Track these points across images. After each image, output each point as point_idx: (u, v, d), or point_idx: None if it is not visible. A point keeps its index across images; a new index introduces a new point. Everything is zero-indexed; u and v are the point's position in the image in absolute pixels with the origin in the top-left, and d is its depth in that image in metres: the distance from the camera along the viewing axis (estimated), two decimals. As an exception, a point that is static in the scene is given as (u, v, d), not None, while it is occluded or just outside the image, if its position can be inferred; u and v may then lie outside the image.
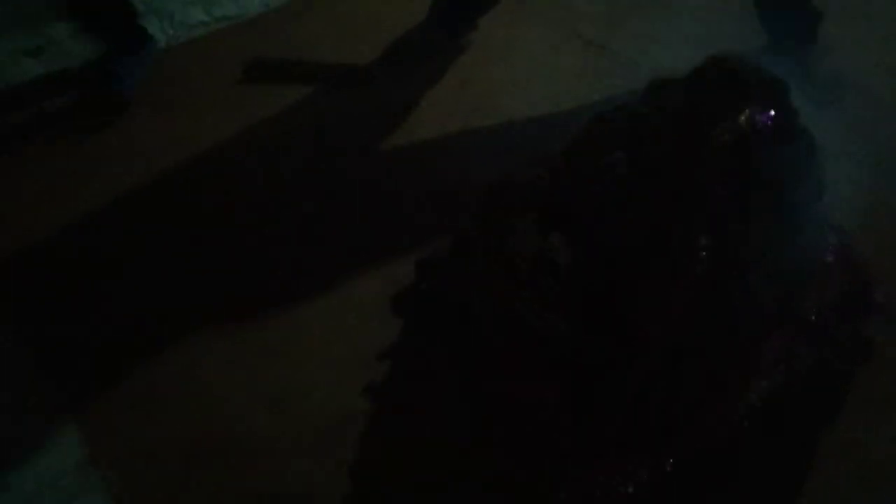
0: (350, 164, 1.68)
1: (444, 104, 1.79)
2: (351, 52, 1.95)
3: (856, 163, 1.52)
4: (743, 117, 1.00)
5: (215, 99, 1.83)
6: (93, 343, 1.37)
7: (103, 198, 1.62)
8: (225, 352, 1.35)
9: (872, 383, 1.17)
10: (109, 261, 1.50)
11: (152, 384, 1.32)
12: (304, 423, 1.25)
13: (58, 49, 1.94)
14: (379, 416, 1.23)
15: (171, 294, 1.45)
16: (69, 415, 1.29)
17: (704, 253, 0.98)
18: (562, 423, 1.01)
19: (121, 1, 1.85)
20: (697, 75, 1.08)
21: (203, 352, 1.35)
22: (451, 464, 1.11)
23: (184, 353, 1.36)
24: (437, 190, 1.58)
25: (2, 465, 1.22)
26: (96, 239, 1.56)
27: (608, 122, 1.12)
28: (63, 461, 1.23)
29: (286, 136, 1.74)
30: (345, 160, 1.68)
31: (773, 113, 1.01)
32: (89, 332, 1.39)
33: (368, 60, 1.92)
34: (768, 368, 1.01)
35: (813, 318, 1.05)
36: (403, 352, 1.28)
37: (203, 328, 1.39)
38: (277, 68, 1.93)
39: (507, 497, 1.04)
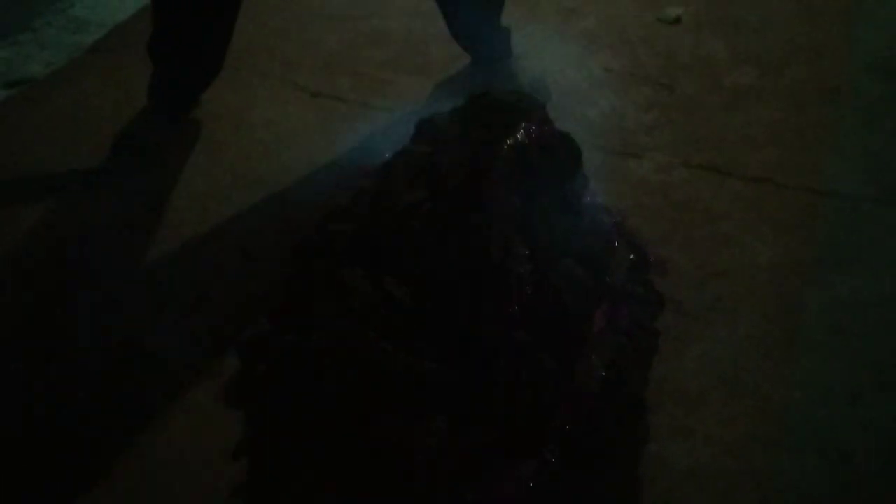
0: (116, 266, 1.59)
1: (196, 184, 1.76)
2: (77, 151, 1.84)
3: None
4: (519, 135, 1.14)
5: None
6: None
7: None
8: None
9: (668, 326, 1.39)
10: None
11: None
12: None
13: None
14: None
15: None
16: None
17: (521, 256, 1.10)
18: (448, 446, 1.07)
19: None
20: (465, 109, 1.20)
21: None
22: None
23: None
24: (229, 270, 1.55)
25: None
26: None
27: (398, 165, 1.21)
28: None
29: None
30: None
31: (537, 126, 1.16)
32: None
33: (95, 159, 1.83)
34: (599, 339, 1.16)
35: (619, 285, 1.22)
36: (258, 441, 1.25)
37: None
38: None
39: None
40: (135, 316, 1.47)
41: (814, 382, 1.34)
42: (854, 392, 1.32)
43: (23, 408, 1.33)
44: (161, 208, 1.69)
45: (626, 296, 1.23)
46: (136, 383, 1.36)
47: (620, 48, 2.14)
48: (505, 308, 1.08)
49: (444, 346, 1.08)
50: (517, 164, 1.13)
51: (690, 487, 1.20)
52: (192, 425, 1.30)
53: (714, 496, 1.19)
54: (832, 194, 1.67)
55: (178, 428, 1.29)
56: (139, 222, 1.67)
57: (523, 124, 1.16)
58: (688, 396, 1.31)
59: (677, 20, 2.24)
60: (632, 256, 1.28)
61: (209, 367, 1.37)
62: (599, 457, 1.15)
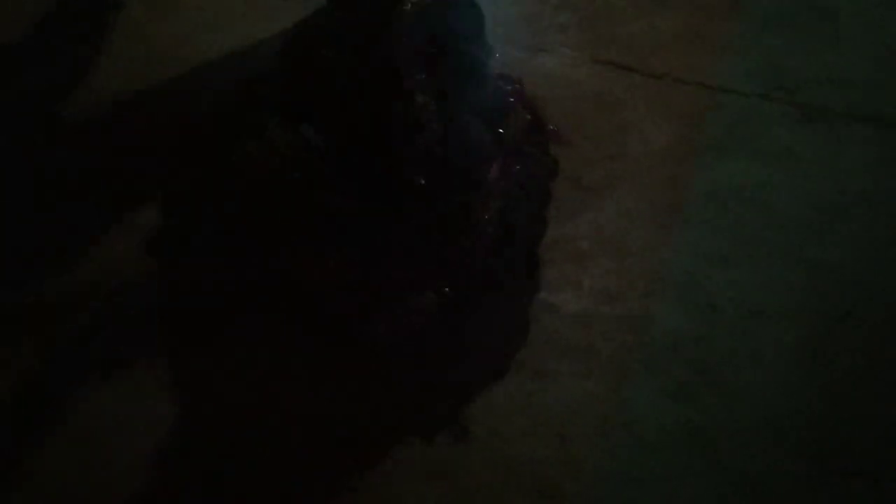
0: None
1: (121, 58, 1.79)
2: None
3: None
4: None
5: None
6: None
7: None
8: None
9: (565, 197, 1.50)
10: None
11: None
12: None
13: None
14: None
15: None
16: None
17: (427, 107, 1.19)
18: (364, 277, 1.17)
19: None
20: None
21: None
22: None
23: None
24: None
25: None
26: None
27: (311, 27, 1.28)
28: None
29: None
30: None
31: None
32: None
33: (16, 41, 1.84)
34: (494, 186, 1.26)
35: (514, 144, 1.32)
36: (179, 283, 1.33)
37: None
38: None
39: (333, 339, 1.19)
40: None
41: (690, 247, 1.47)
42: (724, 256, 1.45)
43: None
44: (86, 76, 1.71)
45: (521, 152, 1.33)
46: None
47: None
48: (409, 152, 1.17)
49: (354, 187, 1.17)
50: (421, 21, 1.21)
51: (574, 328, 1.33)
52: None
53: (594, 336, 1.32)
54: (724, 90, 1.80)
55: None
56: (64, 90, 1.69)
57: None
58: (578, 255, 1.44)
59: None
60: (528, 117, 1.38)
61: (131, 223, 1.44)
62: (493, 294, 1.26)
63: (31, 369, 1.30)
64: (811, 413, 1.23)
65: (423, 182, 1.19)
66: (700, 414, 1.23)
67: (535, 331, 1.32)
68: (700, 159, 1.64)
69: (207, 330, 1.27)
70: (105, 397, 1.25)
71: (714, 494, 1.16)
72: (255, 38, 1.83)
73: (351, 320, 1.22)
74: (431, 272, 1.21)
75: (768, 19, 2.02)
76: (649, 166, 1.62)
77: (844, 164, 1.63)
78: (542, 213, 1.40)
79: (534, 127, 1.41)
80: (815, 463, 1.19)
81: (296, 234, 1.19)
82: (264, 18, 1.89)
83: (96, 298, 1.35)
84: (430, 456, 1.17)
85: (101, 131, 1.65)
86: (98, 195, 1.50)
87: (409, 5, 1.20)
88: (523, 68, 1.73)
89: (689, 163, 1.64)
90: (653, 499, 1.17)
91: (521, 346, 1.29)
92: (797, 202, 1.55)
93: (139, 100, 1.72)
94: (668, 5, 2.05)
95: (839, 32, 1.97)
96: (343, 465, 1.18)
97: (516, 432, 1.20)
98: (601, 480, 1.17)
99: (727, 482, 1.17)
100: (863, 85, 1.81)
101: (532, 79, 1.75)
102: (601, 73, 1.84)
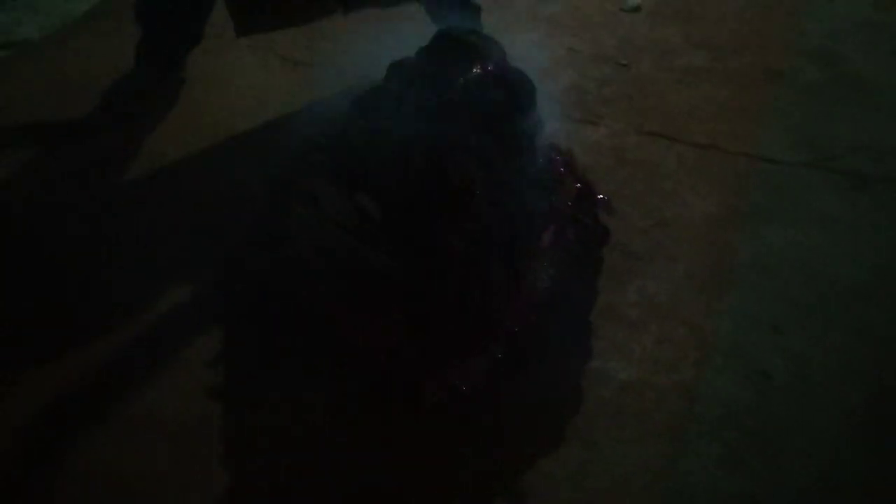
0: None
1: (175, 136, 1.88)
2: (65, 106, 1.96)
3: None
4: (477, 69, 1.28)
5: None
6: None
7: None
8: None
9: (614, 265, 1.53)
10: None
11: None
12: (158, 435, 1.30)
13: None
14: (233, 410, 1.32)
15: None
16: None
17: (477, 178, 1.24)
18: (411, 342, 1.21)
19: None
20: (430, 47, 1.34)
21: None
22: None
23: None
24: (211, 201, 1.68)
25: None
26: None
27: (368, 100, 1.34)
28: None
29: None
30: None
31: (495, 63, 1.31)
32: None
33: (82, 113, 1.95)
34: (547, 254, 1.30)
35: (565, 212, 1.35)
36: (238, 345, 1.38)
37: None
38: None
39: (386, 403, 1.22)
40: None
41: (741, 314, 1.48)
42: (776, 323, 1.46)
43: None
44: (141, 154, 1.81)
45: (572, 220, 1.36)
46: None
47: (583, 32, 2.29)
48: (461, 222, 1.22)
49: (406, 253, 1.22)
50: (476, 96, 1.27)
51: (626, 397, 1.34)
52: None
53: (646, 404, 1.33)
54: (767, 159, 1.83)
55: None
56: (118, 168, 1.78)
57: (482, 61, 1.30)
58: (628, 322, 1.45)
59: (637, 9, 2.40)
60: (578, 185, 1.42)
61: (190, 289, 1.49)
62: (544, 360, 1.28)
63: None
64: (865, 481, 1.22)
65: (473, 249, 1.22)
66: (754, 483, 1.22)
67: (587, 398, 1.33)
68: (745, 226, 1.67)
69: (262, 388, 1.31)
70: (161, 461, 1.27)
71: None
72: (300, 112, 1.93)
73: (401, 382, 1.24)
74: (483, 336, 1.24)
75: (806, 90, 2.07)
76: (696, 234, 1.65)
77: (889, 229, 1.64)
78: (594, 281, 1.43)
79: (584, 195, 1.45)
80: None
81: (351, 298, 1.22)
82: (307, 93, 1.99)
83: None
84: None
85: (161, 197, 1.73)
86: (160, 256, 1.56)
87: (466, 80, 1.26)
88: (572, 139, 1.78)
89: (734, 230, 1.66)
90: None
91: (574, 413, 1.30)
92: (844, 268, 1.56)
93: (198, 168, 1.80)
94: (707, 79, 2.11)
95: (875, 102, 2.01)
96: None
97: (568, 499, 1.20)
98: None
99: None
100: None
101: (580, 149, 1.80)
102: (646, 144, 1.88)
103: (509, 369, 1.27)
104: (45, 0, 2.39)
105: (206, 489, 1.22)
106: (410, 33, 2.14)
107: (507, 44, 2.11)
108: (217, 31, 2.04)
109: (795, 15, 2.38)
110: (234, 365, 1.35)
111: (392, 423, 1.27)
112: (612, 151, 1.85)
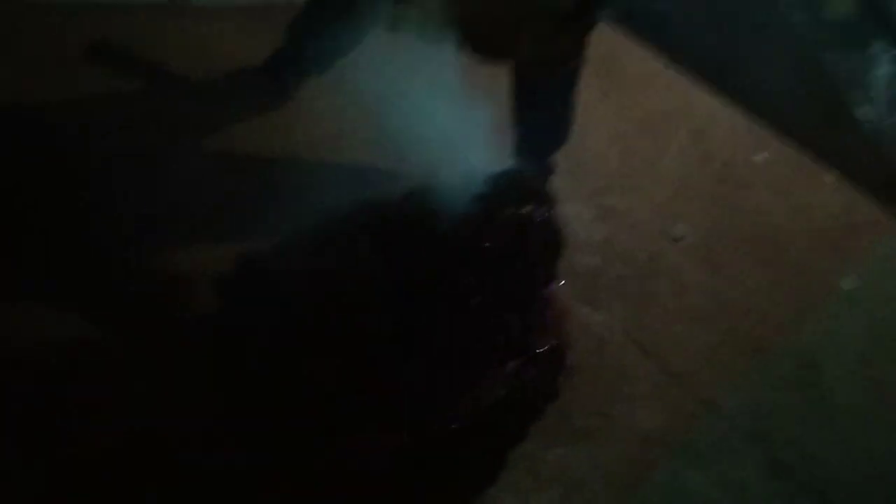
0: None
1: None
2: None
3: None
4: (524, 210, 1.51)
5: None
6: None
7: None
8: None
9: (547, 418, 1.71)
10: None
11: None
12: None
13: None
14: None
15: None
16: None
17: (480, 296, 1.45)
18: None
19: None
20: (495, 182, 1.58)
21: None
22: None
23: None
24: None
25: None
26: None
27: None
28: None
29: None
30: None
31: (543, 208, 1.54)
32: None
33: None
34: (502, 382, 1.47)
35: (538, 356, 1.54)
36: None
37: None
38: (123, 56, 2.12)
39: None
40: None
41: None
42: None
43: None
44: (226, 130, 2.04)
45: (536, 367, 1.55)
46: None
47: (624, 232, 2.53)
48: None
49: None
50: (515, 233, 1.49)
51: None
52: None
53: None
54: (716, 414, 2.01)
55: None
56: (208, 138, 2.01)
57: (536, 205, 1.53)
58: (539, 477, 1.62)
59: (678, 240, 2.65)
60: (556, 343, 1.61)
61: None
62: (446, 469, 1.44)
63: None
64: None
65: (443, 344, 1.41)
66: None
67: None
68: (673, 454, 1.84)
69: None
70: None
71: None
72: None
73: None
74: (403, 418, 1.40)
75: (780, 382, 2.26)
76: (627, 441, 1.82)
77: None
78: (526, 425, 1.60)
79: (556, 352, 1.63)
80: None
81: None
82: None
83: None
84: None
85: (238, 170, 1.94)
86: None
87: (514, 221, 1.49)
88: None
89: (662, 455, 1.83)
90: None
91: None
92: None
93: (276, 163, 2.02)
94: (706, 324, 2.32)
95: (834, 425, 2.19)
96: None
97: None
98: None
99: None
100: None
101: (570, 323, 1.99)
102: (627, 347, 2.08)
103: (419, 461, 1.42)
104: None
105: None
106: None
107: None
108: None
109: (801, 319, 2.62)
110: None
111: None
112: (595, 338, 2.05)
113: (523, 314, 1.55)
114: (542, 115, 2.02)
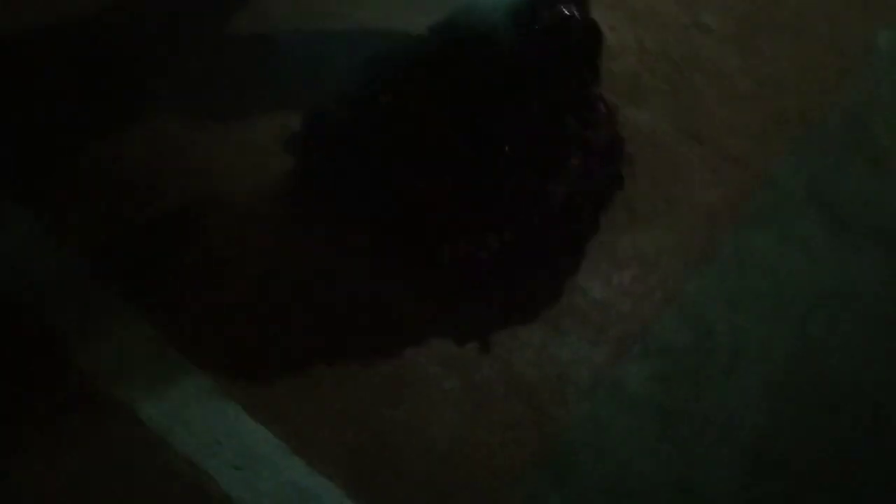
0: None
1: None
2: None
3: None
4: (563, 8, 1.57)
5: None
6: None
7: None
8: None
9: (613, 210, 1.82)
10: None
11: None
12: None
13: None
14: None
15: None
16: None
17: (536, 102, 1.53)
18: (444, 206, 1.50)
19: None
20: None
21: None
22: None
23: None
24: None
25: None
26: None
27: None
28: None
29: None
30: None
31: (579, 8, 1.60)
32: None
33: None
34: (570, 178, 1.58)
35: (595, 150, 1.64)
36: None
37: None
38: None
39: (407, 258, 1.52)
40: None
41: (705, 286, 1.76)
42: (733, 302, 1.74)
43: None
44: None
45: (598, 159, 1.64)
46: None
47: (655, 32, 2.55)
48: (514, 124, 1.51)
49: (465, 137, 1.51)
50: (550, 35, 1.55)
51: (594, 310, 1.63)
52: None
53: (608, 320, 1.62)
54: (775, 182, 2.10)
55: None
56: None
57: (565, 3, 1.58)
58: (615, 259, 1.74)
59: (707, 28, 2.66)
60: (612, 136, 1.70)
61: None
62: (542, 260, 1.57)
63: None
64: (762, 426, 1.51)
65: (517, 153, 1.51)
66: (670, 398, 1.51)
67: (563, 300, 1.62)
68: (738, 226, 1.94)
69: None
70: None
71: (661, 460, 1.44)
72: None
73: (426, 243, 1.53)
74: (500, 220, 1.52)
75: (828, 143, 2.33)
76: (694, 217, 1.92)
77: (850, 264, 1.92)
78: (598, 217, 1.71)
79: (614, 145, 1.72)
80: (749, 464, 1.46)
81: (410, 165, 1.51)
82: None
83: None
84: (455, 354, 1.47)
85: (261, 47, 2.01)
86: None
87: (554, 20, 1.54)
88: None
89: (726, 224, 1.93)
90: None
91: (550, 306, 1.59)
92: (804, 281, 1.84)
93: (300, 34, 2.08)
94: (748, 103, 2.37)
95: (886, 170, 2.27)
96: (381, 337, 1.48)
97: (525, 363, 1.50)
98: (579, 416, 1.45)
99: (672, 456, 1.44)
100: (890, 213, 2.10)
101: (620, 121, 2.07)
102: (677, 137, 2.15)
103: (513, 255, 1.55)
104: None
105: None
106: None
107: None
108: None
109: (842, 79, 2.65)
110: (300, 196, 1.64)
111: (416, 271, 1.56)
112: (647, 133, 2.12)
113: (577, 113, 1.62)
114: None
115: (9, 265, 1.51)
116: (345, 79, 1.79)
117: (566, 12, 1.57)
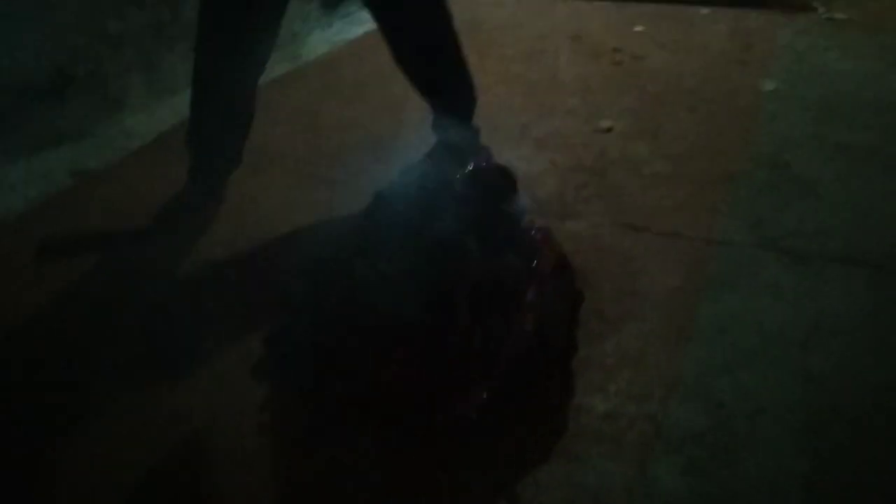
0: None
1: (221, 239, 2.24)
2: (125, 220, 2.33)
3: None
4: (470, 165, 1.65)
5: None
6: None
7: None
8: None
9: (591, 328, 1.83)
10: None
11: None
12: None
13: None
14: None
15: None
16: None
17: (473, 249, 1.58)
18: (424, 377, 1.49)
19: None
20: (431, 152, 1.72)
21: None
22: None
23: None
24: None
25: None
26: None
27: (387, 195, 1.70)
28: None
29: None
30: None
31: (485, 161, 1.68)
32: None
33: (143, 226, 2.31)
34: (530, 306, 1.60)
35: (545, 276, 1.67)
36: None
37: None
38: (70, 244, 2.24)
39: (401, 430, 1.49)
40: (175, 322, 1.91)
41: (699, 361, 1.76)
42: (729, 367, 1.74)
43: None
44: (195, 254, 2.16)
45: (551, 282, 1.67)
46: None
47: (564, 150, 2.69)
48: (462, 283, 1.54)
49: (419, 307, 1.53)
50: (470, 185, 1.62)
51: (604, 423, 1.61)
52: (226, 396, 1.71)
53: (621, 428, 1.59)
54: (723, 242, 2.16)
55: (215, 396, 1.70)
56: (180, 266, 2.13)
57: (475, 159, 1.66)
58: (605, 368, 1.74)
59: (609, 130, 2.81)
60: (556, 257, 1.74)
61: (240, 354, 1.80)
62: (532, 392, 1.56)
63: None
64: (806, 481, 1.47)
65: (473, 303, 1.54)
66: (710, 484, 1.47)
67: (571, 425, 1.60)
68: (704, 295, 1.97)
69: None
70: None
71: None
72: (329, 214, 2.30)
73: (414, 414, 1.52)
74: (481, 372, 1.52)
75: (756, 188, 2.43)
76: (662, 301, 1.95)
77: (823, 294, 1.94)
78: (573, 335, 1.72)
79: (561, 266, 1.76)
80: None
81: (379, 345, 1.53)
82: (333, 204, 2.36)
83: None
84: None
85: (210, 285, 2.06)
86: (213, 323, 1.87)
87: (461, 174, 1.62)
88: (554, 233, 2.11)
89: (695, 298, 1.96)
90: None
91: (561, 436, 1.57)
92: (787, 325, 1.85)
93: (240, 264, 2.14)
94: (669, 181, 2.48)
95: (816, 195, 2.36)
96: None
97: (558, 501, 1.45)
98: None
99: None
100: (838, 235, 2.16)
101: (560, 238, 2.13)
102: (618, 234, 2.22)
103: (504, 401, 1.54)
104: (105, 138, 2.83)
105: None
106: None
107: (497, 159, 2.54)
108: (253, 155, 2.44)
109: (745, 130, 2.80)
110: (280, 401, 1.63)
111: (408, 445, 1.54)
112: (589, 240, 2.19)
113: (516, 249, 1.67)
114: (442, 80, 2.20)
115: None
116: (294, 289, 1.83)
117: (476, 164, 1.66)
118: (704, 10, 4.02)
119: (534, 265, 1.63)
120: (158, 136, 2.85)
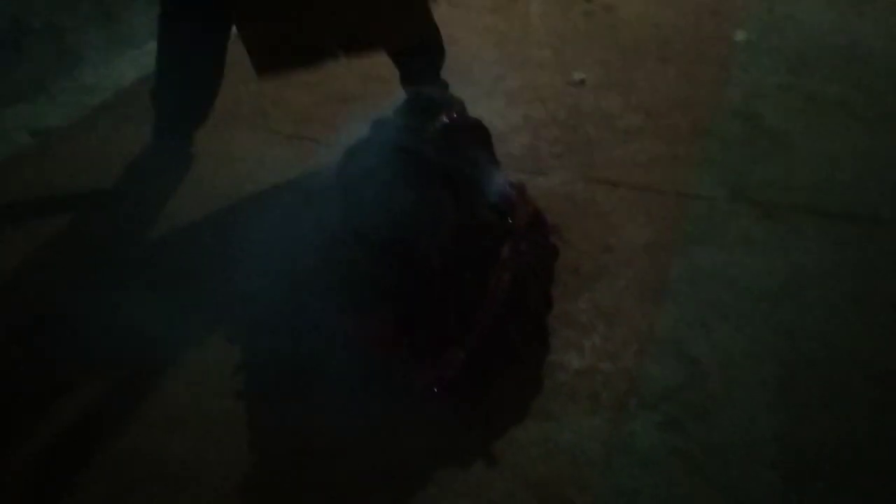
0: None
1: (185, 199, 2.19)
2: (90, 181, 2.26)
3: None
4: (444, 118, 1.61)
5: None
6: None
7: None
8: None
9: (566, 283, 1.83)
10: None
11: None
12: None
13: None
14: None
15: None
16: None
17: (449, 204, 1.55)
18: (400, 337, 1.48)
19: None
20: (404, 104, 1.67)
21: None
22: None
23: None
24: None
25: None
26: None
27: (358, 150, 1.66)
28: None
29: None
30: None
31: (458, 113, 1.64)
32: None
33: (109, 186, 2.25)
34: (505, 263, 1.58)
35: (520, 231, 1.65)
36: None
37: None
38: (31, 208, 2.17)
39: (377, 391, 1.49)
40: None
41: (674, 316, 1.76)
42: (703, 322, 1.75)
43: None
44: (165, 217, 2.11)
45: (526, 238, 1.66)
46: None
47: (536, 103, 2.66)
48: (439, 240, 1.51)
49: (397, 268, 1.51)
50: (444, 139, 1.59)
51: (579, 381, 1.61)
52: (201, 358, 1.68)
53: (596, 386, 1.60)
54: (695, 196, 2.16)
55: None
56: (149, 229, 2.08)
57: (447, 112, 1.62)
58: (579, 325, 1.73)
59: (581, 83, 2.77)
60: (531, 213, 1.72)
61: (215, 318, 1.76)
62: (510, 354, 1.56)
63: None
64: (777, 435, 1.49)
65: (441, 262, 1.52)
66: (686, 439, 1.48)
67: (547, 383, 1.60)
68: (677, 249, 1.97)
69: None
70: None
71: (700, 500, 1.40)
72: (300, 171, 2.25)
73: (395, 372, 1.51)
74: (459, 333, 1.51)
75: (727, 141, 2.42)
76: (636, 256, 1.95)
77: (794, 247, 1.95)
78: (548, 292, 1.71)
79: (536, 222, 1.74)
80: (784, 472, 1.43)
81: (356, 306, 1.51)
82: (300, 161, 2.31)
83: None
84: (463, 478, 1.43)
85: (178, 247, 2.02)
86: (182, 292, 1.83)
87: (435, 128, 1.58)
88: (527, 187, 2.09)
89: (668, 252, 1.96)
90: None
91: (537, 394, 1.57)
92: (759, 278, 1.86)
93: (210, 225, 2.10)
94: (642, 135, 2.46)
95: (785, 147, 2.36)
96: (391, 484, 1.43)
97: (534, 461, 1.46)
98: (605, 493, 1.41)
99: (709, 491, 1.41)
100: (810, 187, 2.17)
101: (536, 194, 2.11)
102: (592, 188, 2.21)
103: (481, 361, 1.54)
104: (64, 94, 2.73)
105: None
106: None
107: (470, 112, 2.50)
108: (220, 113, 2.38)
109: (718, 83, 2.78)
110: (257, 367, 1.61)
111: (385, 407, 1.53)
112: (562, 196, 2.17)
113: (492, 208, 1.65)
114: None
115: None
116: (268, 249, 1.79)
117: (454, 119, 1.62)
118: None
119: (509, 222, 1.61)
120: (119, 91, 2.76)
